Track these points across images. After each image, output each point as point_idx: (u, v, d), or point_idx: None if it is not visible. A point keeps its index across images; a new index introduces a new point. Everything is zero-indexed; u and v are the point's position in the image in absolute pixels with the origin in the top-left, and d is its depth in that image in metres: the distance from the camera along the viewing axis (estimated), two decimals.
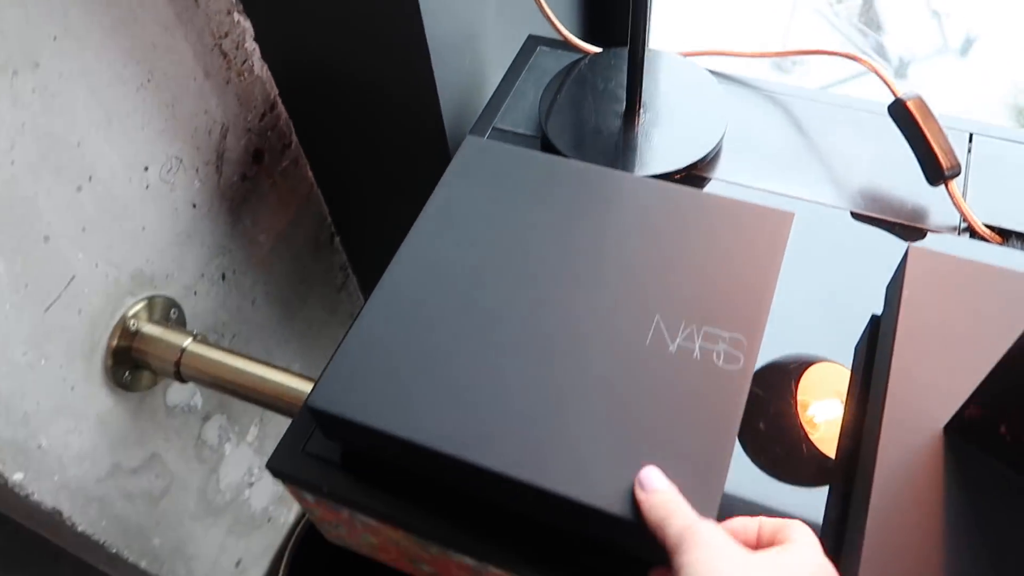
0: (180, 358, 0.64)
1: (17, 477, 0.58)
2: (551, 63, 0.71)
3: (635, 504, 0.38)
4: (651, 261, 0.48)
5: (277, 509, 0.97)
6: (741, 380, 0.42)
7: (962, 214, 0.58)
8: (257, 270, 0.79)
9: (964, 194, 0.59)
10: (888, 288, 0.53)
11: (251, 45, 0.68)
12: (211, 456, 0.80)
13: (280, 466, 0.51)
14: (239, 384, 0.64)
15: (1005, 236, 0.58)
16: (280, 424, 0.92)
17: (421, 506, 0.48)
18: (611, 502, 0.38)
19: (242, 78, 0.68)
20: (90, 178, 0.57)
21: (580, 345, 0.44)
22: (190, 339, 0.65)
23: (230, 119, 0.68)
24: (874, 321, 0.54)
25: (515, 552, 0.46)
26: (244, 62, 0.68)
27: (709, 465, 0.40)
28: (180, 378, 0.65)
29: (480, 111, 0.73)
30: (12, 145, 0.50)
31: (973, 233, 0.58)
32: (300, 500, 0.56)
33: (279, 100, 0.73)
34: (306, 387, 0.62)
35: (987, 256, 0.54)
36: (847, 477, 0.48)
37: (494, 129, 0.66)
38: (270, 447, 0.89)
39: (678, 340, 0.44)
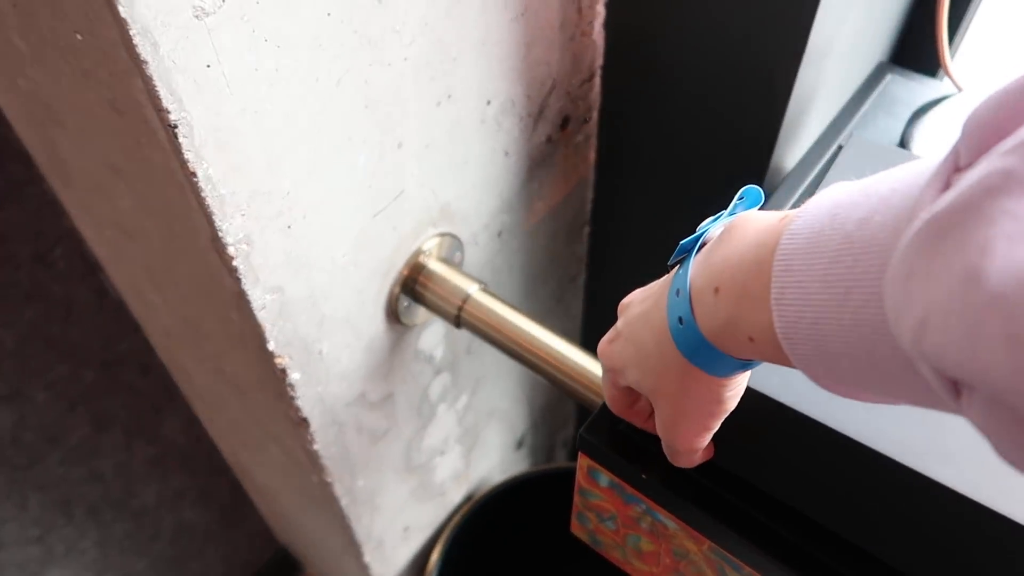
0: (464, 303, 0.62)
1: (295, 377, 0.57)
2: (901, 93, 0.67)
3: None
4: None
5: (451, 486, 0.93)
6: None
7: None
8: (523, 238, 0.76)
9: None
10: None
11: (600, 9, 0.66)
12: (427, 412, 0.78)
13: (595, 439, 0.47)
14: (520, 344, 0.61)
15: None
16: (488, 398, 0.89)
17: (748, 524, 0.43)
18: None
19: (583, 39, 0.66)
20: (449, 96, 0.55)
21: None
22: (477, 285, 0.63)
23: (560, 77, 0.66)
24: None
25: None
26: (589, 23, 0.66)
27: None
28: (457, 323, 0.63)
29: (808, 133, 0.68)
30: (412, 40, 0.49)
31: None
32: (586, 480, 0.52)
33: (600, 71, 0.71)
34: (591, 364, 0.59)
35: None
36: None
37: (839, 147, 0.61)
38: (470, 420, 0.86)
39: None
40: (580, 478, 0.52)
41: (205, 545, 1.14)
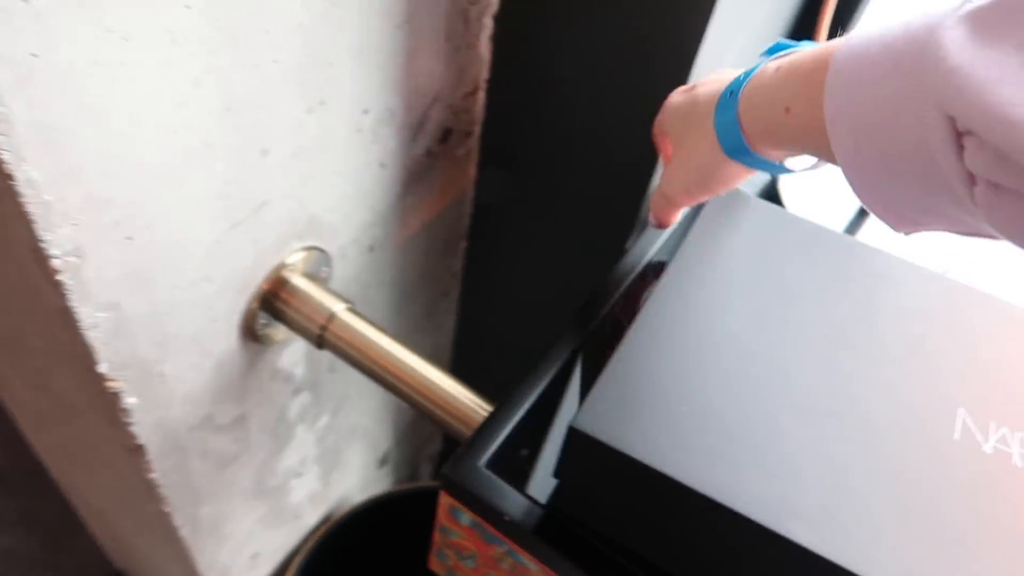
0: (328, 323, 0.58)
1: (131, 401, 0.51)
2: None
3: None
4: (939, 347, 0.45)
5: (307, 508, 0.88)
6: None
7: None
8: (396, 252, 0.73)
9: None
10: None
11: (487, 21, 0.63)
12: (284, 433, 0.73)
13: (457, 477, 0.45)
14: (387, 370, 0.57)
15: None
16: (350, 419, 0.84)
17: (610, 566, 0.42)
18: None
19: (469, 51, 0.64)
20: (323, 103, 0.51)
21: (876, 423, 0.40)
22: (343, 305, 0.59)
23: (444, 88, 0.64)
24: None
25: None
26: (475, 35, 0.63)
27: None
28: (319, 343, 0.58)
29: None
30: (284, 42, 0.45)
31: None
32: (446, 519, 0.50)
33: (484, 84, 0.69)
34: (466, 395, 0.56)
35: None
36: None
37: None
38: (330, 440, 0.82)
39: (991, 441, 0.40)
40: (441, 516, 0.50)
41: (30, 572, 1.03)
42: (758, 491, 0.35)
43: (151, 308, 0.48)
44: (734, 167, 0.42)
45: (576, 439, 0.37)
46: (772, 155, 0.40)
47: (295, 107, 0.49)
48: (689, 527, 0.38)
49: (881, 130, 0.29)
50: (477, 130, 0.73)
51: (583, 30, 0.59)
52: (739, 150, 0.40)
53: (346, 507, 0.95)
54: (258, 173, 0.49)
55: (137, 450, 0.55)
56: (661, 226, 0.51)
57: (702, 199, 0.47)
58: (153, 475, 0.58)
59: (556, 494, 0.44)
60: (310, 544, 0.90)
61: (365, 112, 0.56)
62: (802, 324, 0.45)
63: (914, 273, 0.50)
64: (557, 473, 0.41)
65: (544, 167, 0.71)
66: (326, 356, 0.72)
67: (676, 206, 0.48)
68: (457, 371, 0.75)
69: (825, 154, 0.34)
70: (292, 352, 0.66)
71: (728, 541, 0.37)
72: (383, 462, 1.02)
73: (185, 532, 0.67)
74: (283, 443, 0.74)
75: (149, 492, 0.61)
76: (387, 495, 0.95)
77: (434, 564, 0.56)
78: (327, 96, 0.51)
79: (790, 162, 0.43)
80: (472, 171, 0.77)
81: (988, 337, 0.47)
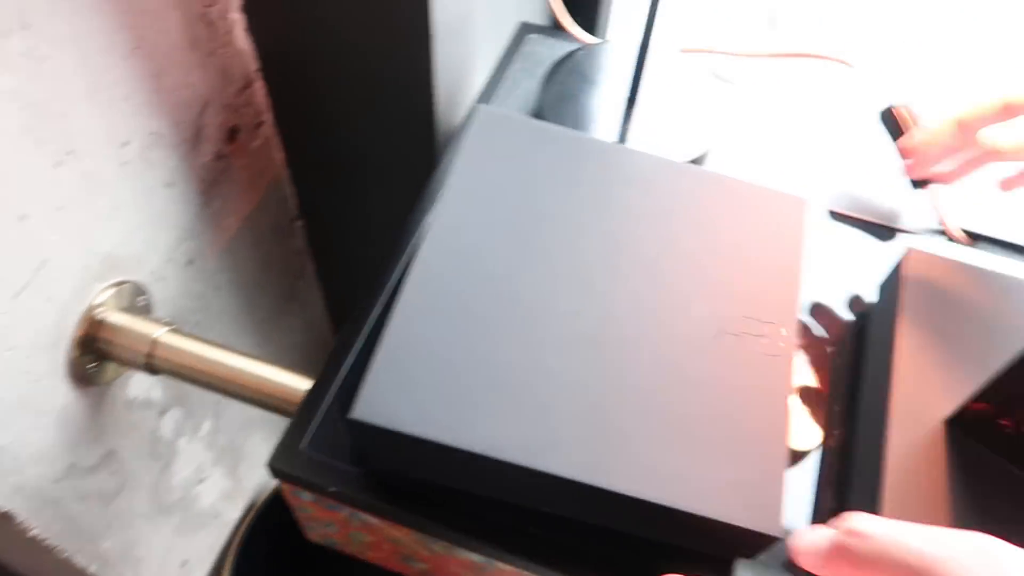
0: (152, 349, 0.60)
1: None
2: (543, 51, 0.71)
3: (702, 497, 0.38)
4: (683, 245, 0.48)
5: (224, 506, 0.92)
6: (785, 368, 0.43)
7: (940, 217, 0.62)
8: (221, 255, 0.74)
9: (939, 199, 0.63)
10: (883, 287, 0.56)
11: (236, 16, 0.63)
12: (165, 452, 0.76)
13: (282, 466, 0.49)
14: (221, 378, 0.60)
15: (974, 238, 0.62)
16: (234, 418, 0.87)
17: (431, 504, 0.46)
18: (689, 502, 0.38)
19: (225, 50, 0.64)
20: (71, 152, 0.52)
21: (628, 336, 0.43)
22: (163, 329, 0.61)
23: (210, 93, 0.64)
24: (860, 317, 0.57)
25: (526, 548, 0.45)
26: (227, 33, 0.63)
27: (769, 459, 0.40)
28: (151, 370, 0.61)
29: (467, 101, 0.71)
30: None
31: (948, 237, 0.62)
32: (293, 500, 0.54)
33: (259, 75, 0.69)
34: (296, 382, 0.59)
35: (963, 257, 0.58)
36: (838, 468, 0.50)
37: None
38: (222, 441, 0.85)
39: (722, 328, 0.44)
40: (288, 499, 0.54)
41: None
42: (517, 435, 0.39)
43: None
44: None
45: (356, 428, 0.40)
46: None
47: (39, 166, 0.50)
48: (474, 471, 0.42)
49: None
50: (268, 117, 0.74)
51: (323, 6, 0.60)
52: None
53: (267, 492, 0.99)
54: (23, 238, 0.50)
55: (4, 517, 0.58)
56: None
57: None
58: (34, 532, 0.61)
59: (366, 459, 0.48)
60: (239, 536, 0.95)
61: (125, 144, 0.57)
62: (561, 250, 0.46)
63: (666, 168, 0.52)
64: (353, 460, 0.45)
65: (342, 134, 0.73)
66: None
67: None
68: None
69: None
70: (141, 378, 0.68)
71: (507, 476, 0.41)
72: None
73: (95, 568, 0.70)
74: (168, 461, 0.77)
75: (39, 547, 0.64)
76: None
77: (311, 537, 0.61)
78: (74, 145, 0.52)
79: None
80: (278, 155, 0.78)
81: (737, 225, 0.49)
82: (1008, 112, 0.52)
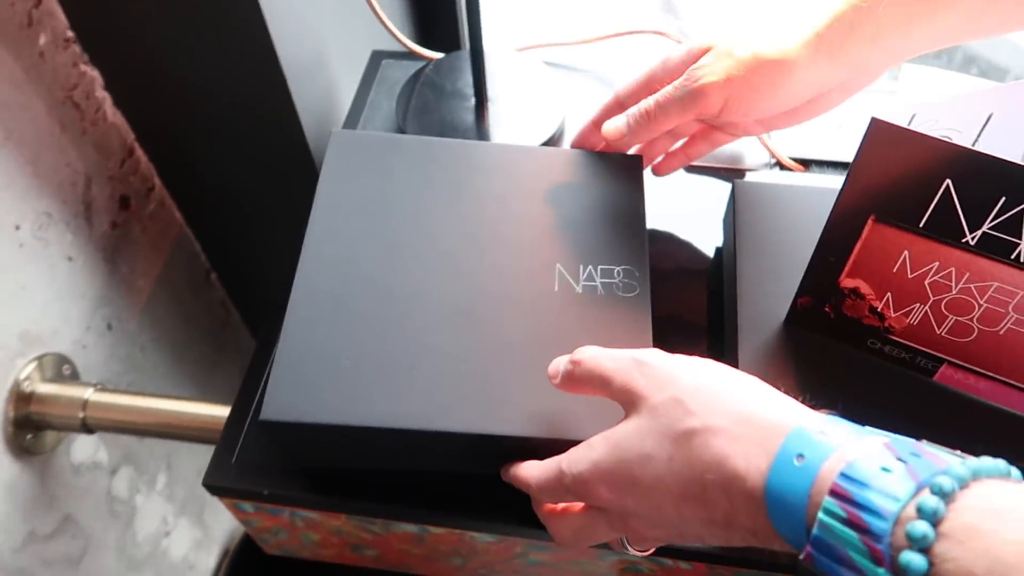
0: (85, 410, 0.64)
1: None
2: (398, 73, 0.77)
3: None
4: (536, 216, 0.53)
5: (197, 555, 0.96)
6: (643, 303, 0.49)
7: (769, 151, 0.69)
8: (141, 316, 0.79)
9: (768, 134, 0.70)
10: (725, 220, 0.63)
11: (101, 94, 0.69)
12: (124, 510, 0.79)
13: (216, 481, 0.54)
14: (152, 423, 0.65)
15: (806, 164, 0.69)
16: (187, 468, 0.91)
17: (358, 489, 0.52)
18: (571, 433, 0.43)
19: (97, 127, 0.69)
20: None
21: (498, 304, 0.48)
22: (91, 389, 0.65)
23: (91, 169, 0.69)
24: (716, 251, 0.63)
25: (453, 511, 0.51)
26: (97, 111, 0.68)
27: None
28: (87, 430, 0.65)
29: (337, 128, 0.77)
30: None
31: (781, 166, 0.69)
32: (238, 514, 0.59)
33: (137, 144, 0.74)
34: (220, 411, 0.64)
35: (796, 182, 0.65)
36: None
37: None
38: (181, 493, 0.89)
39: (582, 281, 0.49)
40: (233, 513, 0.59)
41: None
42: (409, 405, 0.44)
43: None
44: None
45: (269, 428, 0.44)
46: None
47: None
48: (382, 447, 0.47)
49: None
50: (157, 182, 0.79)
51: (179, 55, 0.66)
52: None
53: (239, 535, 1.03)
54: None
55: None
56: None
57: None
58: None
59: (293, 459, 0.53)
60: None
61: (17, 228, 0.61)
62: (426, 241, 0.51)
63: (511, 153, 0.57)
64: (283, 462, 0.49)
65: (231, 175, 0.78)
66: None
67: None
68: None
69: None
70: (84, 443, 0.73)
71: (408, 444, 0.46)
72: None
73: None
74: (128, 519, 0.80)
75: None
76: None
77: (269, 549, 0.66)
78: None
79: None
80: (177, 215, 0.83)
81: (583, 189, 0.54)
82: (650, 88, 0.53)
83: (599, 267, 0.50)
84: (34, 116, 0.61)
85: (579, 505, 0.39)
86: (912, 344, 0.49)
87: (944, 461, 0.26)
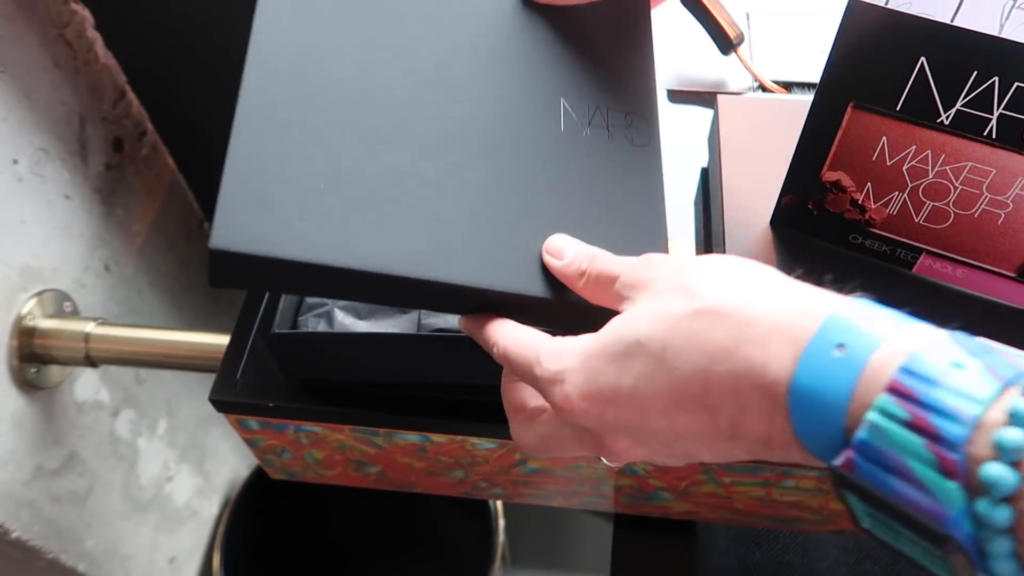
0: (87, 343, 0.65)
1: None
2: None
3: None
4: (542, 43, 0.44)
5: (199, 502, 0.97)
6: (655, 156, 0.44)
7: (752, 74, 0.70)
8: (137, 260, 0.80)
9: (751, 59, 0.72)
10: (709, 138, 0.65)
11: (92, 34, 0.69)
12: (127, 452, 0.81)
13: (222, 396, 0.55)
14: (155, 353, 0.66)
15: (788, 87, 0.71)
16: (187, 415, 0.92)
17: (361, 400, 0.53)
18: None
19: (89, 67, 0.70)
20: None
21: (498, 135, 0.40)
22: (92, 323, 0.66)
23: (85, 109, 0.70)
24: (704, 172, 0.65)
25: (454, 418, 0.52)
26: (88, 51, 0.69)
27: (652, 236, 0.42)
28: (91, 363, 0.66)
29: None
30: None
31: (764, 89, 0.71)
32: (243, 433, 0.60)
33: (128, 87, 0.75)
34: (222, 339, 0.65)
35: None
36: None
37: None
38: (182, 439, 0.90)
39: (589, 123, 0.43)
40: (239, 432, 0.60)
41: None
42: (401, 247, 0.35)
43: None
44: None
45: (220, 260, 0.33)
46: None
47: None
48: (364, 292, 0.38)
49: None
50: (149, 127, 0.80)
51: (168, 14, 0.66)
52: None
53: (239, 485, 1.04)
54: None
55: None
56: None
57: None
58: (16, 535, 0.66)
59: (286, 369, 0.54)
60: (221, 530, 1.00)
61: (15, 162, 0.62)
62: (413, 47, 0.41)
63: None
64: (211, 281, 0.35)
65: (223, 121, 0.79)
66: (127, 372, 0.80)
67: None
68: None
69: None
70: (85, 382, 0.74)
71: (395, 295, 0.38)
72: None
73: (84, 567, 0.75)
74: (132, 460, 0.82)
75: (24, 550, 0.69)
76: None
77: (273, 474, 0.67)
78: None
79: None
80: (171, 161, 0.84)
81: (588, 23, 0.47)
82: None
83: (607, 110, 0.44)
84: (28, 49, 0.62)
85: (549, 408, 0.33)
86: (892, 235, 0.51)
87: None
